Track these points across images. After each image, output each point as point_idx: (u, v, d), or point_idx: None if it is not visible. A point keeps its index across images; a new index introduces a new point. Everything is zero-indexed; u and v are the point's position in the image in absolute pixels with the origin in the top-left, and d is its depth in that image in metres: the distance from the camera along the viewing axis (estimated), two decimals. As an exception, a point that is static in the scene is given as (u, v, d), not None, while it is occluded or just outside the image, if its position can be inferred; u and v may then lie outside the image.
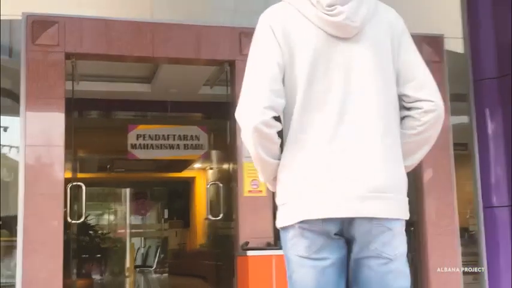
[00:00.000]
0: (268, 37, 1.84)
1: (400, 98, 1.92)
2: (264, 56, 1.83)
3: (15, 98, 5.03)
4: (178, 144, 8.67)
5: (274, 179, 1.92)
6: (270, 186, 1.98)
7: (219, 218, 5.41)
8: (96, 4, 5.14)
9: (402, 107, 1.93)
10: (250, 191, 5.03)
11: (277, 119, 1.82)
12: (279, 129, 1.84)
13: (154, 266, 9.26)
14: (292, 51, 1.83)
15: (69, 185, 5.06)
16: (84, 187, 5.18)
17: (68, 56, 4.94)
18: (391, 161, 1.85)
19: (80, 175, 10.62)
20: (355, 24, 1.84)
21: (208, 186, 5.86)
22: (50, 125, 4.75)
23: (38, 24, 4.83)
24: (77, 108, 7.61)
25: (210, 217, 5.59)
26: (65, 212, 4.96)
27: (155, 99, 8.23)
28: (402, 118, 1.93)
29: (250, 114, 1.79)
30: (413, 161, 1.97)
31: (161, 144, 8.61)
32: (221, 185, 5.54)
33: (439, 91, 1.92)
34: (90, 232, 8.68)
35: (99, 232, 9.00)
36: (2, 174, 6.15)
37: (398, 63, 1.91)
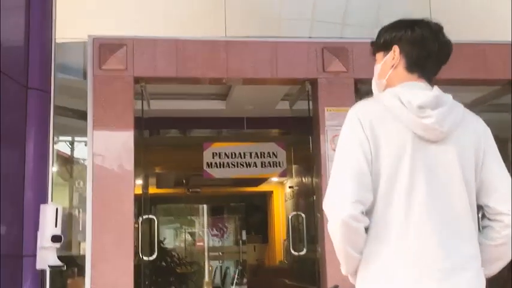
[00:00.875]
0: (357, 130, 1.86)
1: (483, 208, 1.95)
2: (353, 149, 1.84)
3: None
4: (255, 162, 8.31)
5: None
6: (352, 278, 1.96)
7: (302, 253, 4.89)
8: (166, 24, 4.77)
9: (484, 217, 1.96)
10: (337, 225, 4.50)
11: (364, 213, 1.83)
12: (367, 224, 1.83)
13: (233, 288, 8.89)
14: (378, 147, 1.85)
15: (140, 219, 4.72)
16: (156, 221, 4.82)
17: (137, 80, 4.59)
18: (475, 264, 1.86)
19: (152, 190, 10.50)
20: (443, 129, 1.87)
21: (290, 217, 5.37)
22: (119, 156, 4.41)
23: (105, 47, 4.50)
24: (149, 127, 7.45)
25: (293, 252, 5.08)
26: (136, 247, 4.63)
27: (230, 116, 7.88)
28: (484, 227, 1.96)
29: (339, 207, 1.78)
30: (490, 270, 1.96)
31: (237, 162, 8.27)
32: (303, 215, 5.03)
33: None
34: (167, 258, 8.38)
35: (176, 258, 8.68)
36: (82, 188, 5.95)
37: (482, 173, 1.93)
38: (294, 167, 9.79)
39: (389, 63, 2.01)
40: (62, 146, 6.67)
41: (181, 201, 12.28)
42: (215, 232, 11.45)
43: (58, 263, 3.88)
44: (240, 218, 13.24)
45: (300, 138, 6.64)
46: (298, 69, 4.71)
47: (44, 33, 4.45)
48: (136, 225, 4.65)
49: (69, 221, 6.55)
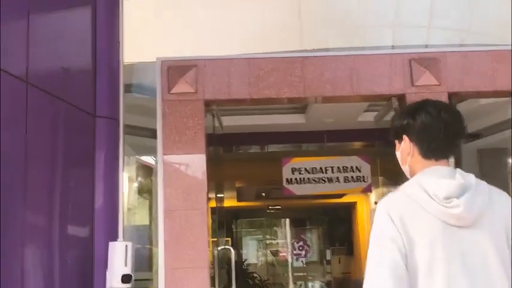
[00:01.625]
0: (388, 226, 1.89)
1: None
2: (386, 245, 1.87)
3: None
4: (337, 177, 7.89)
5: None
6: None
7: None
8: (237, 41, 4.46)
9: None
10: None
11: None
12: None
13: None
14: (411, 239, 1.87)
15: (217, 249, 4.43)
16: (233, 252, 4.51)
17: (208, 103, 4.31)
18: None
19: (233, 203, 10.28)
20: (472, 215, 1.89)
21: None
22: (190, 183, 4.13)
23: (174, 70, 4.24)
24: (226, 143, 7.23)
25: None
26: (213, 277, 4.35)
27: (310, 130, 7.53)
28: None
29: None
30: None
31: (318, 178, 7.88)
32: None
33: None
34: (248, 280, 8.07)
35: (258, 279, 8.36)
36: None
37: None
38: (379, 179, 9.29)
39: (405, 152, 2.06)
40: (146, 157, 6.57)
41: (262, 214, 12.03)
42: (298, 252, 11.03)
43: (128, 304, 3.63)
44: (324, 230, 12.82)
45: (386, 150, 6.20)
46: (383, 84, 4.27)
47: (111, 59, 4.25)
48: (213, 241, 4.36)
49: (149, 235, 6.39)
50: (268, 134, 7.69)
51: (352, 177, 7.88)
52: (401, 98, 4.26)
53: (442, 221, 1.88)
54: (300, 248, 11.20)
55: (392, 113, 4.50)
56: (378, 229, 1.91)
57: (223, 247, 4.54)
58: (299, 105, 6.88)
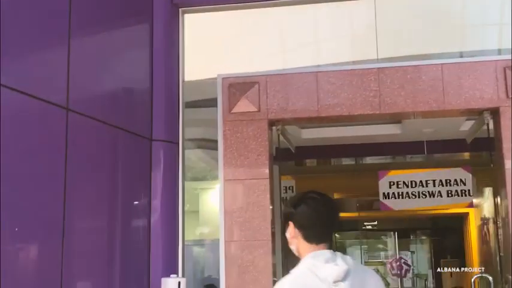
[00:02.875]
0: None
1: None
2: None
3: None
4: (439, 191, 7.19)
5: None
6: None
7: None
8: (303, 53, 4.05)
9: None
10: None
11: None
12: None
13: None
14: None
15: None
16: None
17: (272, 122, 3.93)
18: None
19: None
20: None
21: (473, 280, 4.31)
22: (252, 213, 3.77)
23: (235, 87, 3.91)
24: (320, 154, 6.86)
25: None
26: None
27: (407, 141, 6.95)
28: None
29: None
30: None
31: (418, 192, 7.23)
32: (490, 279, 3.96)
33: None
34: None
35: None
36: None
37: None
38: (488, 190, 8.46)
39: (290, 235, 2.29)
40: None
41: (362, 226, 11.47)
42: (396, 272, 10.34)
43: None
44: (432, 243, 12.03)
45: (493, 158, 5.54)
46: (472, 96, 3.68)
47: (169, 78, 4.02)
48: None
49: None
50: (362, 145, 7.24)
51: (456, 191, 7.16)
52: (494, 112, 3.65)
53: None
54: (399, 268, 10.47)
55: (485, 129, 3.90)
56: None
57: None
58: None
